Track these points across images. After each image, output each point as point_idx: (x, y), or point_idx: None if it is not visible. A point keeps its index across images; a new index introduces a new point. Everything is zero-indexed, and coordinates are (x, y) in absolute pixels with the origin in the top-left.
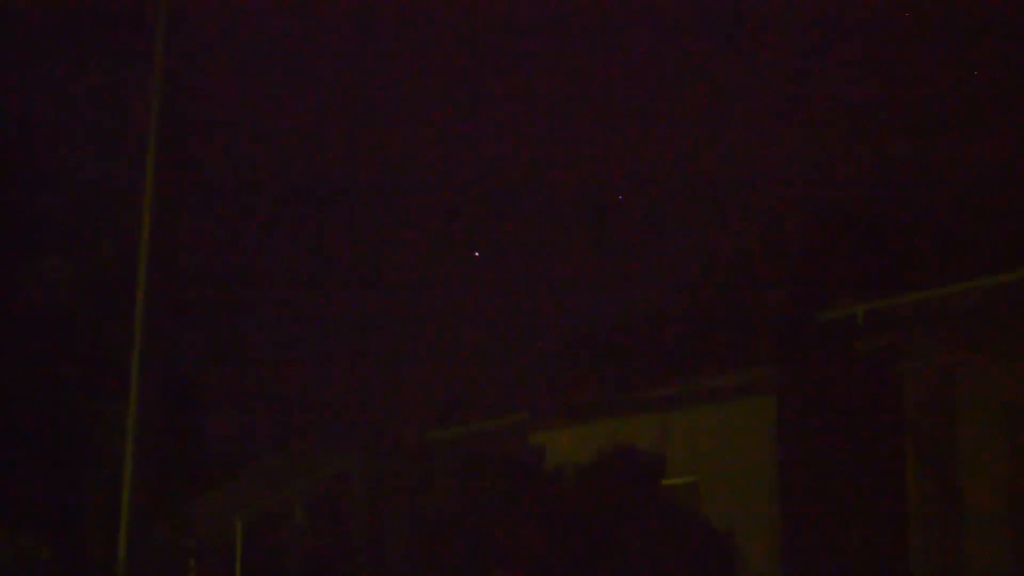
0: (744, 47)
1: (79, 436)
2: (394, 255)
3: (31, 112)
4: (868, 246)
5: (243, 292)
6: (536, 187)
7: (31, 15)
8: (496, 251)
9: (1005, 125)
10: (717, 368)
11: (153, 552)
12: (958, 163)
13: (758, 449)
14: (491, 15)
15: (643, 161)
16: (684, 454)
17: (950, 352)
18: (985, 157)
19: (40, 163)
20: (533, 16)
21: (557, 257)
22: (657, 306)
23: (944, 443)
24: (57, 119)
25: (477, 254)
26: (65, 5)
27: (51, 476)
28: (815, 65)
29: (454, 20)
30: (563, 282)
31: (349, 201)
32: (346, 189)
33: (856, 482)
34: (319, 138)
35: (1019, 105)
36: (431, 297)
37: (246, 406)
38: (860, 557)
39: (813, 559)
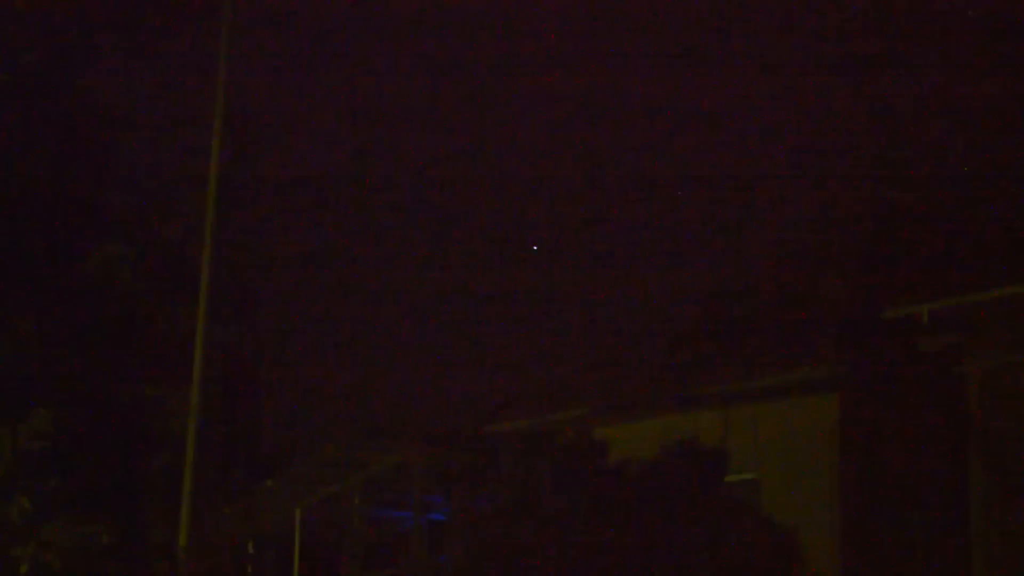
0: (806, 35)
1: (141, 421)
2: (459, 248)
3: (97, 99)
4: (934, 244)
5: (305, 282)
6: (600, 180)
7: (99, 3)
8: (558, 246)
9: None
10: (780, 365)
11: (212, 537)
12: None
13: (820, 447)
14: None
15: (709, 156)
16: (745, 451)
17: (1015, 352)
18: None
19: (105, 150)
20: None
21: (622, 252)
22: (722, 302)
23: (1009, 444)
24: (122, 106)
25: (536, 247)
26: None
27: (113, 461)
28: (885, 59)
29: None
30: (626, 277)
31: (408, 196)
32: (402, 185)
33: (919, 482)
34: (375, 136)
35: None
36: (494, 291)
37: (305, 396)
38: (922, 557)
39: (874, 558)
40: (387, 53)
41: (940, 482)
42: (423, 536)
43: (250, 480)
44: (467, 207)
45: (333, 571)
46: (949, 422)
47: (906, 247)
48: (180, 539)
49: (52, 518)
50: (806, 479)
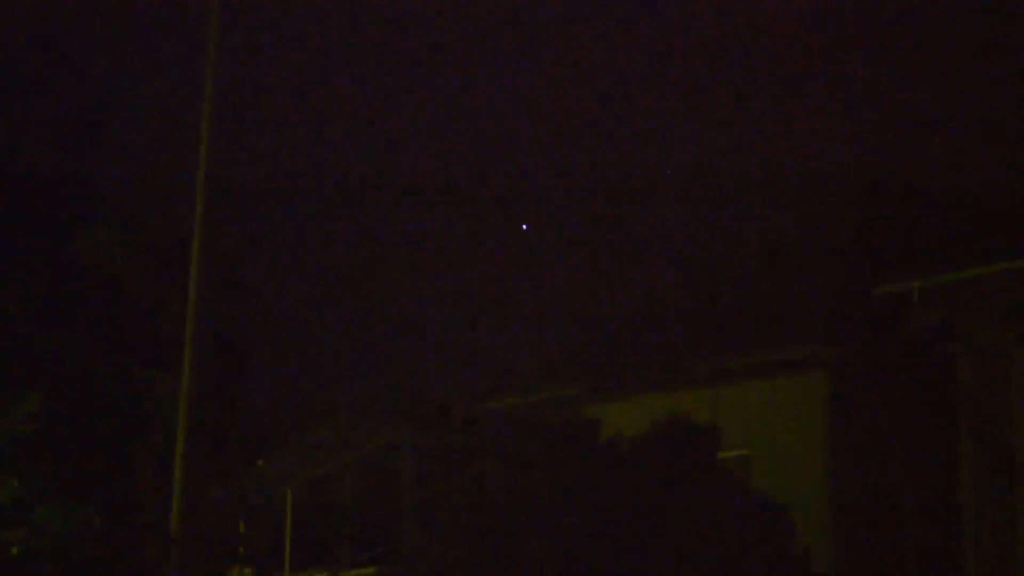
0: (792, 17)
1: (131, 404)
2: (446, 228)
3: (86, 83)
4: (925, 222)
5: (295, 264)
6: (581, 162)
7: None
8: (550, 225)
9: None
10: (770, 342)
11: (204, 518)
12: (1020, 139)
13: (810, 424)
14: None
15: (697, 134)
16: (736, 427)
17: (1006, 329)
18: None
19: (93, 133)
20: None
21: (611, 231)
22: (712, 280)
23: (998, 420)
24: (111, 90)
25: (525, 226)
26: None
27: (104, 444)
28: (871, 38)
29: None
30: (617, 256)
31: (398, 175)
32: (393, 165)
33: (908, 458)
34: (359, 129)
35: None
36: (484, 269)
37: (297, 376)
38: (912, 533)
39: (865, 532)
40: (374, 35)
41: (929, 458)
42: (415, 516)
43: (242, 461)
44: (458, 186)
45: (325, 551)
46: (938, 398)
47: (896, 224)
48: (172, 522)
49: (43, 501)
50: (796, 455)
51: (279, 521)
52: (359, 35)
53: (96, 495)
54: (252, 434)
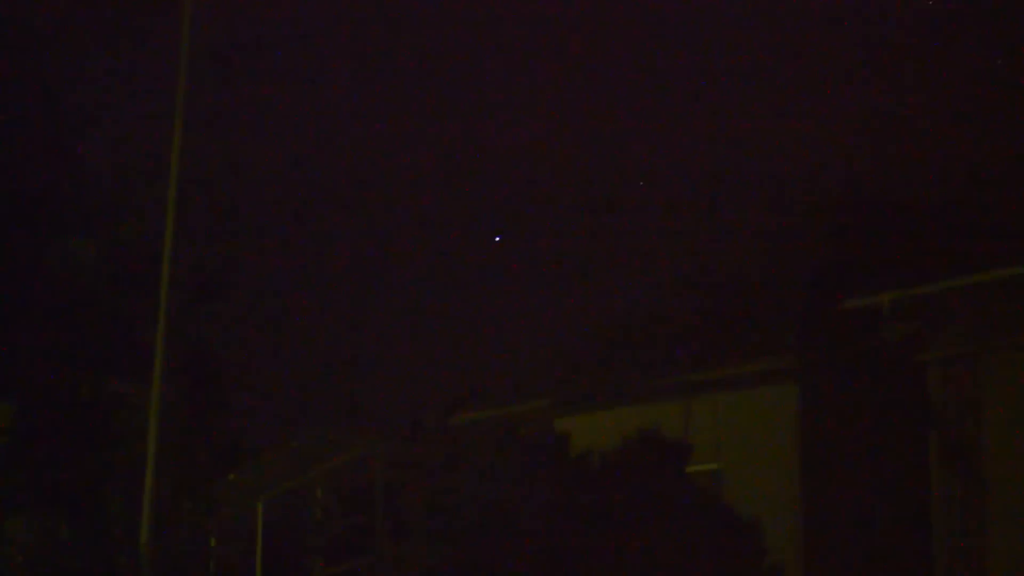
0: (765, 32)
1: (102, 415)
2: (418, 242)
3: (56, 92)
4: (894, 234)
5: (267, 276)
6: (554, 177)
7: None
8: (519, 239)
9: None
10: (740, 356)
11: (174, 531)
12: (988, 150)
13: (781, 437)
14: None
15: (664, 148)
16: (707, 441)
17: (976, 341)
18: (1018, 144)
19: (64, 143)
20: (542, 11)
21: (579, 245)
22: (681, 293)
23: (969, 433)
24: (82, 99)
25: (498, 238)
26: None
27: (73, 455)
28: (838, 48)
29: (463, 16)
30: (586, 269)
31: (370, 189)
32: (365, 178)
33: (879, 472)
34: (348, 125)
35: None
36: (454, 283)
37: (268, 389)
38: (883, 547)
39: (836, 547)
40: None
41: (901, 471)
42: (386, 529)
43: (213, 474)
44: (430, 197)
45: (296, 564)
46: (910, 411)
47: (867, 237)
48: (142, 534)
49: (13, 512)
50: (768, 469)
51: (250, 535)
52: (332, 44)
53: (66, 507)
54: (224, 446)
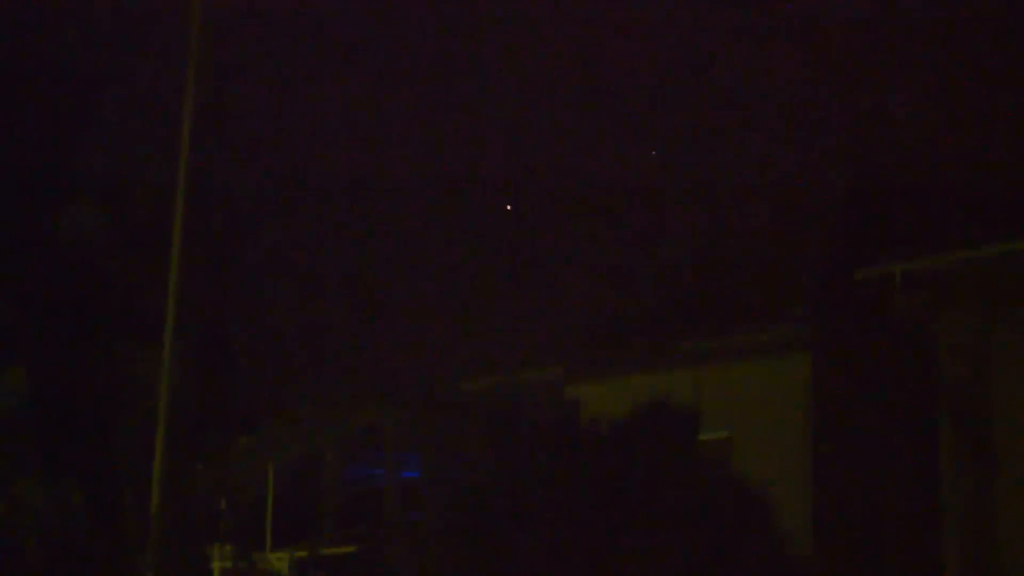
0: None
1: (113, 383)
2: (429, 209)
3: (67, 62)
4: (907, 203)
5: (279, 241)
6: (576, 143)
7: None
8: (533, 207)
9: None
10: (751, 324)
11: (185, 495)
12: (1005, 121)
13: (791, 406)
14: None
15: (683, 119)
16: (718, 410)
17: (988, 313)
18: None
19: (74, 112)
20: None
21: (591, 212)
22: (692, 261)
23: (980, 404)
24: (93, 70)
25: (509, 207)
26: None
27: (85, 420)
28: (855, 18)
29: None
30: (598, 237)
31: (381, 161)
32: (381, 144)
33: (889, 441)
34: (350, 112)
35: None
36: (466, 251)
37: (279, 356)
38: (892, 516)
39: (845, 516)
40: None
41: (911, 441)
42: (396, 494)
43: (224, 439)
44: (443, 166)
45: (306, 528)
46: (920, 381)
47: (879, 207)
48: (153, 499)
49: (24, 476)
50: (778, 438)
51: (261, 500)
52: (352, 22)
53: (77, 471)
54: (234, 411)
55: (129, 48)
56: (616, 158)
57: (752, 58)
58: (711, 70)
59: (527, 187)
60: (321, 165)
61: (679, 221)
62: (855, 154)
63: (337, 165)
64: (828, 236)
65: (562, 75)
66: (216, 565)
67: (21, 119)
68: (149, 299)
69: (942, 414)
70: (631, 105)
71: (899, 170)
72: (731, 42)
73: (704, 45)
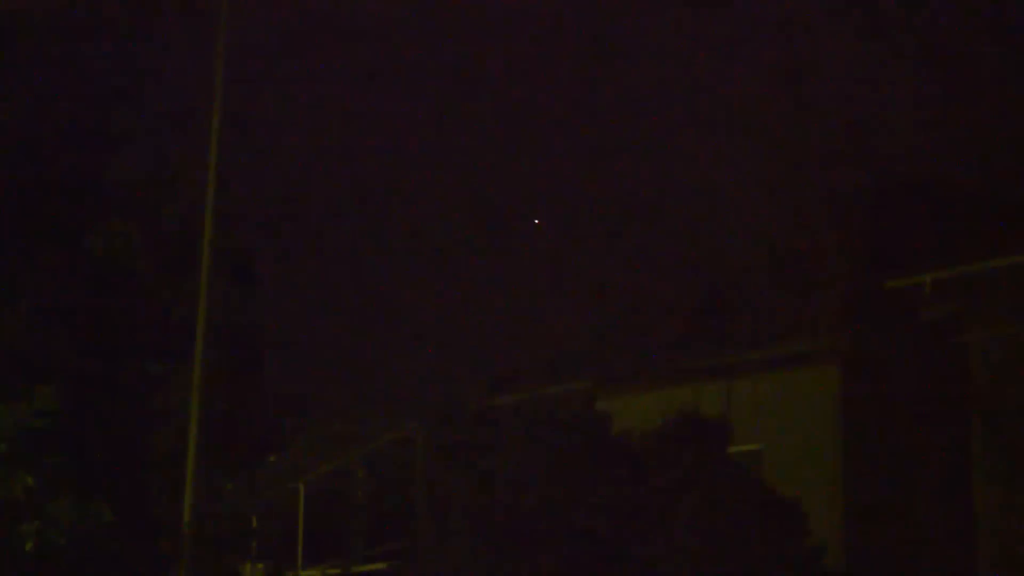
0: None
1: (144, 398)
2: (458, 222)
3: (98, 78)
4: (936, 214)
5: (306, 258)
6: (601, 150)
7: None
8: (561, 219)
9: None
10: (782, 336)
11: (216, 512)
12: None
13: (822, 418)
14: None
15: (706, 124)
16: (748, 422)
17: (1018, 321)
18: None
19: (105, 128)
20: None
21: (623, 224)
22: (722, 273)
23: (1011, 413)
24: (123, 85)
25: (538, 221)
26: None
27: (116, 438)
28: (883, 28)
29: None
30: (629, 248)
31: (410, 162)
32: (404, 150)
33: (921, 452)
34: (376, 99)
35: None
36: (496, 264)
37: (309, 372)
38: (925, 527)
39: (877, 527)
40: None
41: (942, 452)
42: (427, 510)
43: (253, 455)
44: (469, 176)
45: (337, 546)
46: (951, 392)
47: (908, 217)
48: (184, 515)
49: (56, 495)
50: (809, 450)
51: (292, 516)
52: (374, 28)
53: (109, 489)
54: (265, 428)
55: (158, 63)
56: (645, 171)
57: (781, 64)
58: (735, 77)
59: (557, 201)
60: (353, 182)
61: (709, 234)
62: (883, 163)
63: (370, 183)
64: (858, 247)
65: (586, 97)
66: None
67: (51, 136)
68: (179, 316)
69: (973, 423)
70: (656, 118)
71: (926, 178)
72: (758, 51)
73: (729, 54)
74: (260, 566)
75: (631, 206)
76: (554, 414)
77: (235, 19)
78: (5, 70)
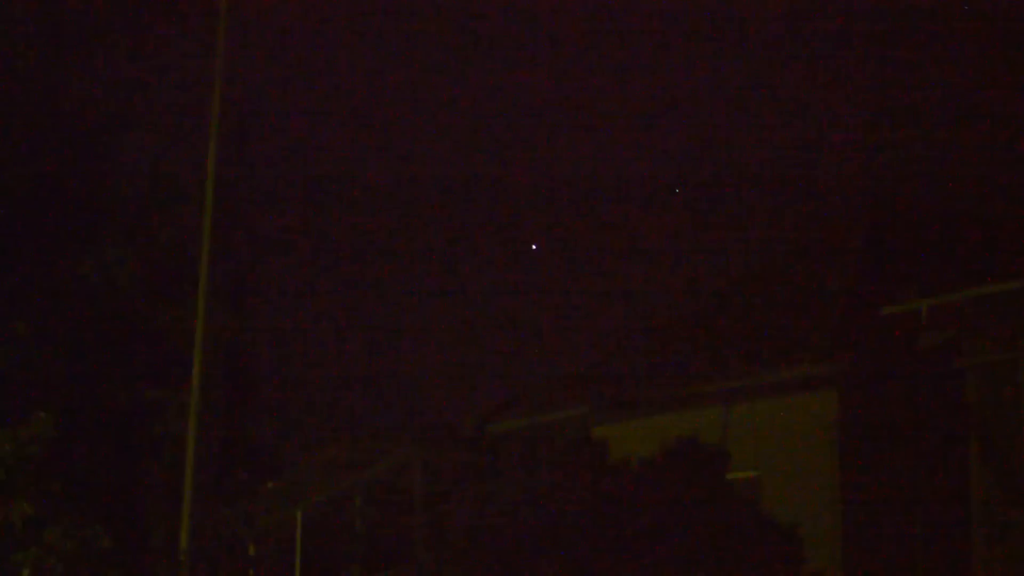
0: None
1: (140, 424)
2: (456, 250)
3: (94, 104)
4: (932, 240)
5: (305, 283)
6: (595, 180)
7: (96, 6)
8: (558, 246)
9: None
10: (779, 362)
11: (214, 539)
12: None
13: (820, 444)
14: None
15: (704, 154)
16: (746, 448)
17: (1014, 346)
18: None
19: (102, 154)
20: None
21: (618, 251)
22: (719, 299)
23: (1008, 438)
24: (119, 111)
25: (535, 246)
26: None
27: (113, 464)
28: (880, 54)
29: (495, 24)
30: (624, 275)
31: (404, 201)
32: (399, 189)
33: (918, 478)
34: (374, 132)
35: None
36: (494, 291)
37: (306, 397)
38: (923, 553)
39: (875, 554)
40: (385, 48)
41: (940, 477)
42: (425, 536)
43: (251, 482)
44: (467, 205)
45: (335, 573)
46: (949, 417)
47: (904, 243)
48: (181, 542)
49: (53, 522)
50: (807, 476)
51: (289, 543)
52: (365, 54)
53: (106, 516)
54: (262, 453)
55: (152, 91)
56: (642, 198)
57: (775, 93)
58: (730, 103)
59: (554, 225)
60: (345, 194)
61: (705, 260)
62: (877, 190)
63: (365, 204)
64: (854, 273)
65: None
66: None
67: (46, 163)
68: (175, 342)
69: (971, 448)
70: (653, 147)
71: (920, 205)
72: (757, 80)
73: (733, 80)
74: None
75: (628, 232)
76: (551, 440)
77: (232, 44)
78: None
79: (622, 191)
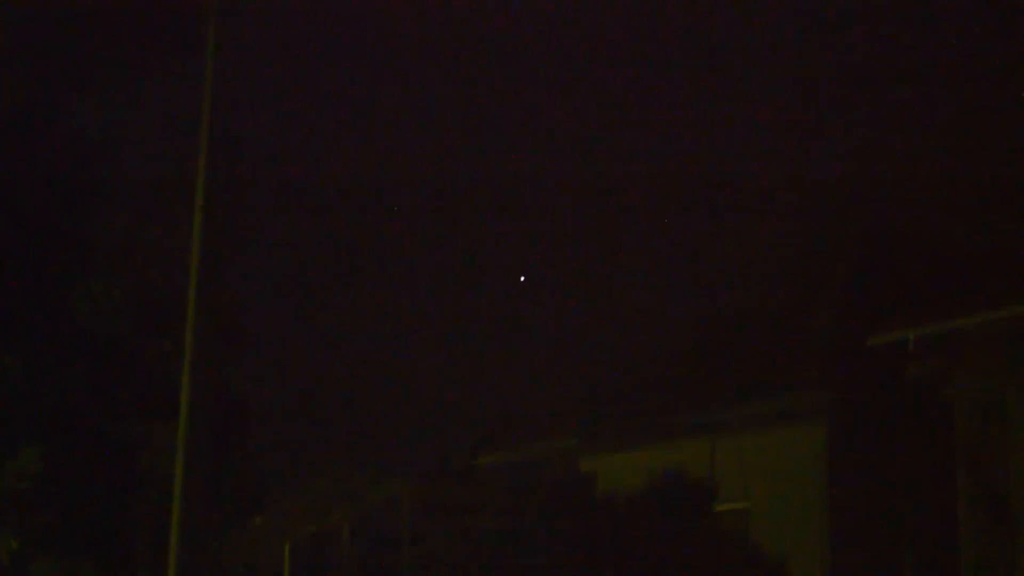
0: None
1: (128, 459)
2: (443, 281)
3: (81, 135)
4: (919, 270)
5: (291, 318)
6: (584, 205)
7: (83, 37)
8: (544, 279)
9: None
10: (766, 394)
11: (202, 574)
12: (1012, 186)
13: (808, 475)
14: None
15: (694, 183)
16: (734, 480)
17: (1001, 377)
18: None
19: (89, 186)
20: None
21: (605, 282)
22: (706, 331)
23: (996, 468)
24: (107, 142)
25: (523, 278)
26: (117, 29)
27: (99, 499)
28: (868, 80)
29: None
30: (611, 307)
31: (393, 220)
32: (388, 207)
33: (907, 508)
34: (359, 164)
35: None
36: (480, 323)
37: (294, 431)
38: None
39: None
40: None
41: (929, 508)
42: (414, 569)
43: (239, 516)
44: (453, 234)
45: None
46: (937, 448)
47: (891, 274)
48: None
49: (40, 557)
50: (795, 508)
51: None
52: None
53: (93, 550)
54: (250, 487)
55: (140, 121)
56: (630, 226)
57: (770, 119)
58: (731, 129)
59: (542, 259)
60: (334, 230)
61: (691, 290)
62: (866, 220)
63: (357, 239)
64: (841, 303)
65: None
66: None
67: (34, 194)
68: (163, 375)
69: (960, 479)
70: (641, 173)
71: (910, 234)
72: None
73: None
74: None
75: (615, 263)
76: (539, 474)
77: (220, 77)
78: None
79: (608, 223)
